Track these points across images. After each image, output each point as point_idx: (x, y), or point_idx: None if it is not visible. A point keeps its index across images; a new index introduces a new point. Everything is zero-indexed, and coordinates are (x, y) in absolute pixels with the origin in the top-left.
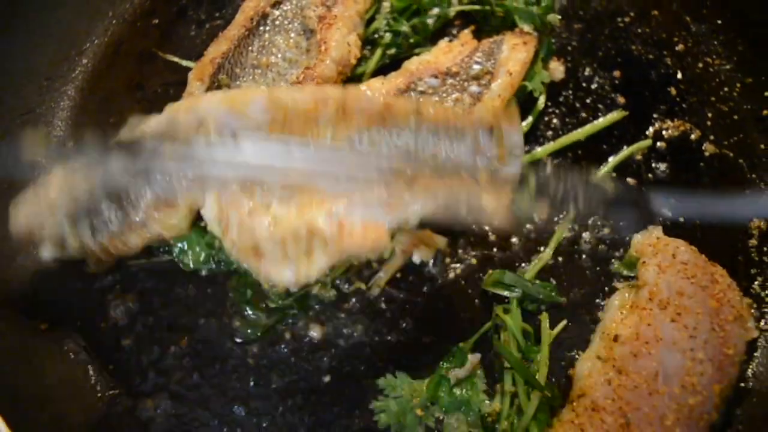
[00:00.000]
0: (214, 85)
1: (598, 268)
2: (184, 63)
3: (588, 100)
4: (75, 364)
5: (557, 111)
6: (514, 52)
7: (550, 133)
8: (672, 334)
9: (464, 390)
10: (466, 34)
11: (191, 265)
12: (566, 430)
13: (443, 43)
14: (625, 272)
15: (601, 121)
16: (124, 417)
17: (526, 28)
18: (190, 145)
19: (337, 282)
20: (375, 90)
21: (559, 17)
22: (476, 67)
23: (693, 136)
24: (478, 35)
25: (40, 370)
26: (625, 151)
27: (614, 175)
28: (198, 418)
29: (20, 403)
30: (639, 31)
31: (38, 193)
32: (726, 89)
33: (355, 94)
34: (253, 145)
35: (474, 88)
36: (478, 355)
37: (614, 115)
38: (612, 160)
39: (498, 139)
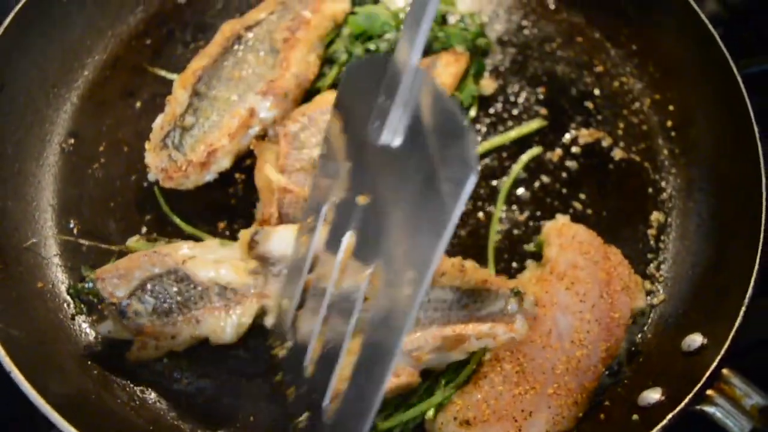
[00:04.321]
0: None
1: (513, 249)
2: (170, 76)
3: (514, 112)
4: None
5: (487, 120)
6: (447, 67)
7: (479, 138)
8: (565, 299)
9: None
10: None
11: None
12: (472, 378)
13: None
14: (535, 252)
15: (524, 128)
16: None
17: (459, 48)
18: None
19: None
20: (326, 101)
21: (487, 40)
22: None
23: (604, 143)
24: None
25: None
26: (525, 155)
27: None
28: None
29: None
30: (564, 54)
31: (119, 264)
32: (637, 104)
33: None
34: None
35: None
36: None
37: (535, 123)
38: (520, 158)
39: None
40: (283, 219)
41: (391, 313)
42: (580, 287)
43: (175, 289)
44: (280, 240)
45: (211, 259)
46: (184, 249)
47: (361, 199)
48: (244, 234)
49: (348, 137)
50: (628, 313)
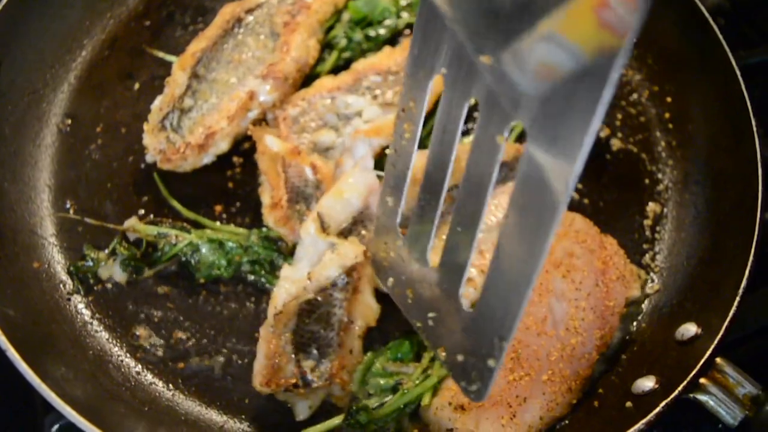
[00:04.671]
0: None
1: None
2: (169, 58)
3: None
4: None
5: None
6: None
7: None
8: (561, 287)
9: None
10: (408, 40)
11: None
12: None
13: (387, 48)
14: None
15: None
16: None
17: None
18: None
19: None
20: (326, 85)
21: None
22: None
23: (602, 134)
24: None
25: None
26: None
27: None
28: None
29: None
30: None
31: (262, 346)
32: (635, 95)
33: None
34: None
35: None
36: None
37: None
38: None
39: None
40: (291, 198)
41: (551, 161)
42: (576, 275)
43: (314, 321)
44: (341, 204)
45: (325, 260)
46: (285, 287)
47: (485, 59)
48: (311, 224)
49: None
50: (623, 301)
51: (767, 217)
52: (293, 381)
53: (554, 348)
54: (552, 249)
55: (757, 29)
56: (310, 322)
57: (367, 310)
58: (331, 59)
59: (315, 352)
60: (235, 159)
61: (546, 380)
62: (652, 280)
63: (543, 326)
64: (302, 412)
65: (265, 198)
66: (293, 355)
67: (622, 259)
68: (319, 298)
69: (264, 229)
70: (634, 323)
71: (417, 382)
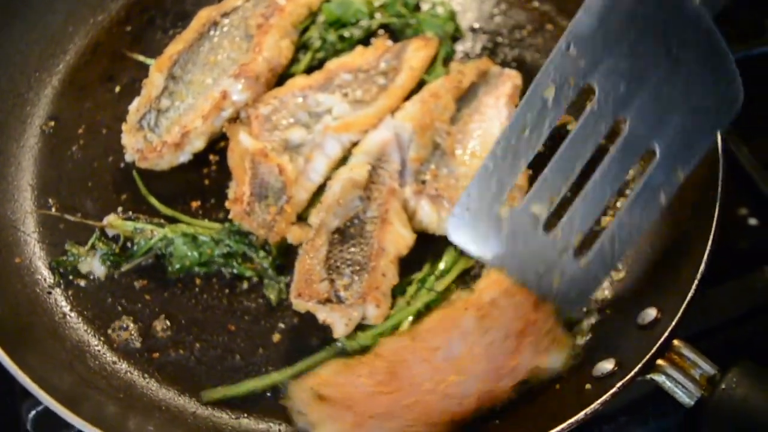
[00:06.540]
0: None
1: None
2: (149, 61)
3: None
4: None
5: None
6: (416, 51)
7: None
8: (469, 326)
9: None
10: (380, 40)
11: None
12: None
13: (360, 47)
14: None
15: None
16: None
17: (429, 34)
18: None
19: None
20: (298, 84)
21: (456, 25)
22: (383, 65)
23: (570, 128)
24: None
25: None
26: None
27: None
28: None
29: None
30: (534, 42)
31: (297, 267)
32: None
33: None
34: None
35: (381, 80)
36: None
37: None
38: None
39: None
40: (260, 193)
41: None
42: (488, 322)
43: (346, 249)
44: None
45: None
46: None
47: None
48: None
49: None
50: (529, 367)
51: (740, 214)
52: (325, 296)
53: (431, 380)
54: (481, 291)
55: (737, 30)
56: (343, 249)
57: (398, 239)
58: (305, 59)
59: (348, 272)
60: (212, 157)
61: (406, 406)
62: (618, 269)
63: (432, 355)
64: (339, 329)
65: (230, 193)
66: (326, 274)
67: (548, 326)
68: (351, 230)
69: (236, 224)
70: (598, 311)
71: (399, 309)
